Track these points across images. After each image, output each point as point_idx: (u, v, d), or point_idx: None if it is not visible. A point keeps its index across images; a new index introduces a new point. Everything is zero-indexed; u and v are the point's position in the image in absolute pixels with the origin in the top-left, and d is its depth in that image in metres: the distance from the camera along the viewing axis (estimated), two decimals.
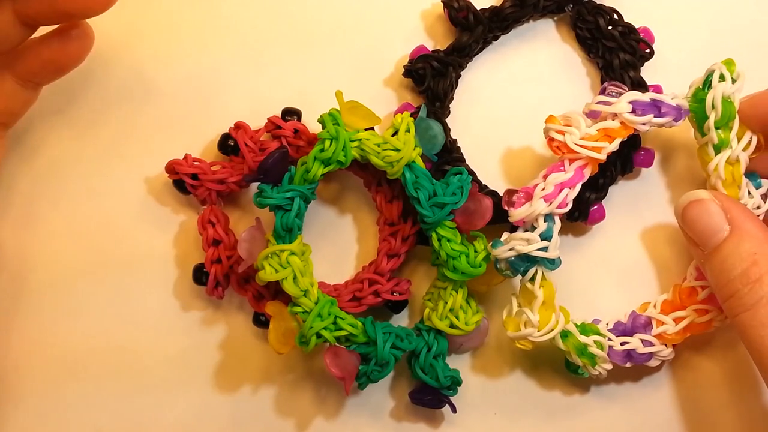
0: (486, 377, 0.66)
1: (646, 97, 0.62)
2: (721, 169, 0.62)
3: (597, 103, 0.62)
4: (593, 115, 0.63)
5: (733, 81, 0.61)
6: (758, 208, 0.63)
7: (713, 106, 0.61)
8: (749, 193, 0.63)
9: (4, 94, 0.61)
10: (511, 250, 0.60)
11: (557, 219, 0.61)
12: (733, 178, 0.62)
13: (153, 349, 0.66)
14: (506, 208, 0.62)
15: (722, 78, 0.61)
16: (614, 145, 0.61)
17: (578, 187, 0.61)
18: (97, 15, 0.57)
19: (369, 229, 0.67)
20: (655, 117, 0.62)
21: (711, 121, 0.61)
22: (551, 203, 0.61)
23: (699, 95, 0.62)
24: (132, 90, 0.67)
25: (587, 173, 0.62)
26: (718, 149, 0.62)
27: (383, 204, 0.65)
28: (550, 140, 0.62)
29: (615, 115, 0.62)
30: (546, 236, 0.61)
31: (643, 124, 0.62)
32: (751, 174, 0.63)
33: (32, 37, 0.60)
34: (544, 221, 0.61)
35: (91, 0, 0.57)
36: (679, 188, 0.67)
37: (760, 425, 0.66)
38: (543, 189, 0.61)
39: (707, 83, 0.62)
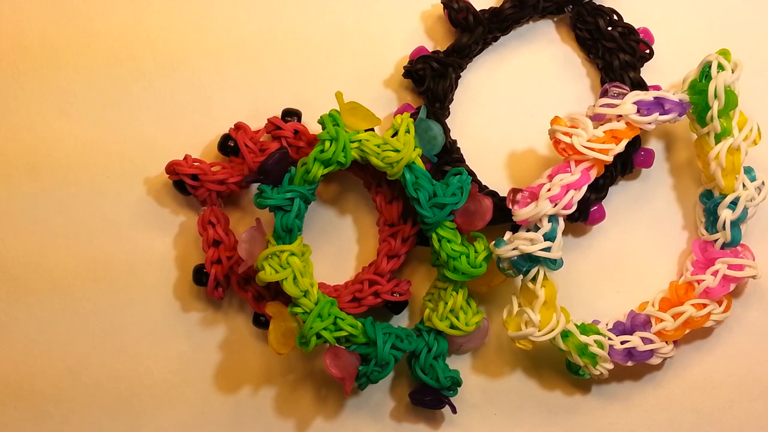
0: (486, 378, 0.66)
1: (649, 95, 0.62)
2: (723, 157, 0.62)
3: (601, 105, 0.62)
4: (597, 118, 0.62)
5: (732, 70, 0.62)
6: (752, 200, 0.63)
7: (716, 96, 0.61)
8: (744, 185, 0.63)
9: None
10: (514, 249, 0.61)
11: (561, 220, 0.61)
12: (733, 167, 0.62)
13: (153, 349, 0.66)
14: (510, 207, 0.62)
15: (721, 68, 0.61)
16: (621, 147, 0.62)
17: (584, 189, 0.61)
18: None
19: (369, 230, 0.67)
20: (660, 115, 0.62)
21: (714, 111, 0.61)
22: (557, 204, 0.61)
23: (698, 87, 0.62)
24: (132, 89, 0.67)
25: (593, 175, 0.62)
26: (719, 138, 0.62)
27: (383, 205, 0.65)
28: (556, 142, 0.62)
29: (620, 117, 0.62)
30: (550, 237, 0.61)
31: (649, 123, 0.62)
32: (747, 167, 0.64)
33: None
34: (548, 222, 0.61)
35: None
36: (679, 188, 0.67)
37: (760, 425, 0.66)
38: (549, 190, 0.61)
39: (704, 74, 0.62)
